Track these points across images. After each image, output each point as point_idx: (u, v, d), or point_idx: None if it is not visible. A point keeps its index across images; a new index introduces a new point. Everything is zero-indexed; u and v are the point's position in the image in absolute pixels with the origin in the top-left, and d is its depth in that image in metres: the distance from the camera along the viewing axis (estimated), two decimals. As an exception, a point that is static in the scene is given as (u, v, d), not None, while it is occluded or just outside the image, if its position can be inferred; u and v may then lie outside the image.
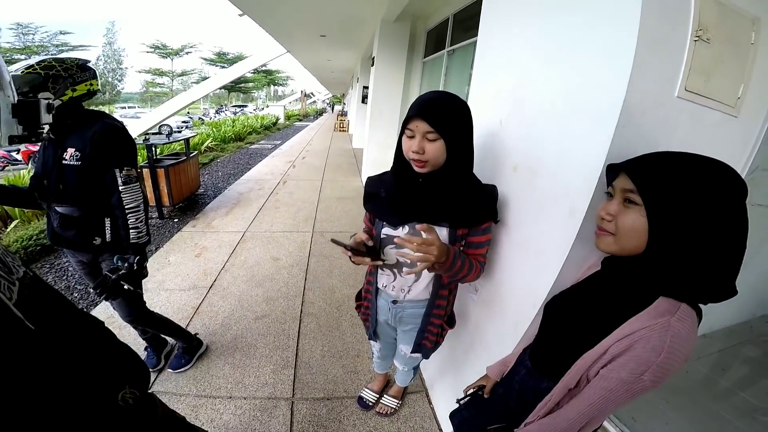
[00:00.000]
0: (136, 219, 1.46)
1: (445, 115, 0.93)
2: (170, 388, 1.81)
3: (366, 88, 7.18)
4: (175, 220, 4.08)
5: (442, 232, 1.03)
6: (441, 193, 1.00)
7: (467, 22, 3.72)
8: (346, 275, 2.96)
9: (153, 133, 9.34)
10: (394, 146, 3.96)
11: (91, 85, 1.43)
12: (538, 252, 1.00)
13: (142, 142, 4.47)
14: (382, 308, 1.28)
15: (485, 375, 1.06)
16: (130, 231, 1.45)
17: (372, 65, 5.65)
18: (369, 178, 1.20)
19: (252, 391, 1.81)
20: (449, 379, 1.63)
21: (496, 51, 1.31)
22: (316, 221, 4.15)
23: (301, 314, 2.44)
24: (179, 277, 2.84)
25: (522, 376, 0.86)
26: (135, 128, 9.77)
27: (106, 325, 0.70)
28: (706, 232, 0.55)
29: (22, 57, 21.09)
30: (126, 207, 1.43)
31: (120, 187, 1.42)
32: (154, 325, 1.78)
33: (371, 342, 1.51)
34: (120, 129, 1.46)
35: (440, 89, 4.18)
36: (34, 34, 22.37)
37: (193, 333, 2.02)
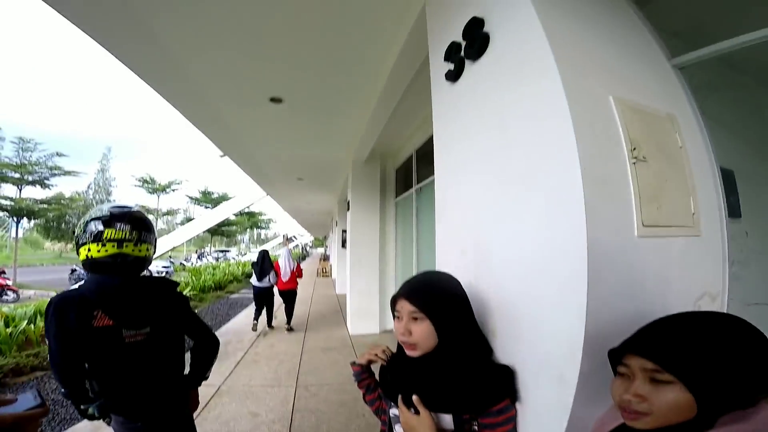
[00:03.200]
0: None
1: (429, 293, 0.93)
2: None
3: (344, 231, 7.41)
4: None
5: (446, 419, 0.96)
6: (437, 378, 0.92)
7: (429, 157, 3.70)
8: (336, 431, 2.62)
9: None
10: (377, 294, 4.33)
11: (89, 250, 1.22)
12: (537, 424, 0.90)
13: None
14: None
15: None
16: None
17: (348, 209, 5.84)
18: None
19: None
20: None
21: (452, 207, 1.35)
22: (299, 374, 3.85)
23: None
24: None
25: None
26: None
27: None
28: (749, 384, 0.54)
29: (16, 175, 20.61)
30: None
31: None
32: None
33: None
34: (49, 314, 1.24)
35: (414, 229, 4.49)
36: (32, 151, 22.28)
37: None
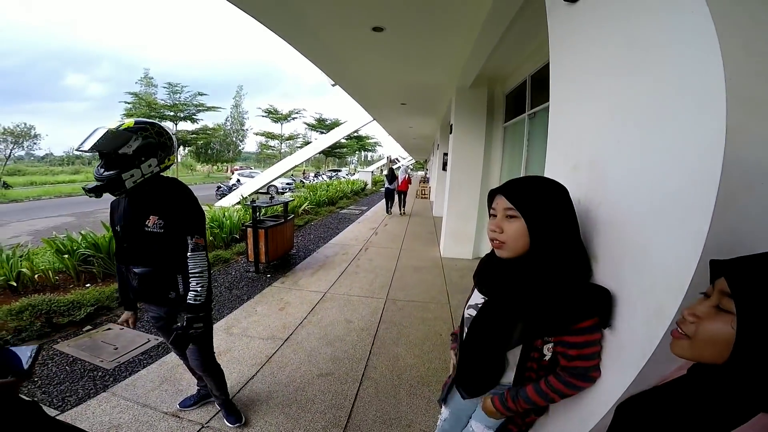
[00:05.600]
0: (197, 284, 1.52)
1: (527, 191, 0.88)
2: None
3: (446, 155, 7.37)
4: (268, 276, 4.49)
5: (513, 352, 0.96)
6: (522, 285, 0.90)
7: (546, 83, 3.50)
8: (413, 344, 2.87)
9: (262, 193, 10.88)
10: (474, 218, 3.96)
11: (169, 159, 1.53)
12: (617, 348, 0.86)
13: (249, 203, 5.23)
14: None
15: None
16: (189, 293, 1.52)
17: (450, 132, 5.74)
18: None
19: (298, 445, 1.82)
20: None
21: (569, 121, 1.24)
22: (390, 289, 4.19)
23: (363, 377, 2.41)
24: (261, 326, 3.08)
25: None
26: (249, 187, 11.44)
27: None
28: None
29: (170, 113, 26.59)
30: (190, 272, 1.52)
31: (188, 254, 1.52)
32: (216, 378, 1.86)
33: (441, 410, 1.37)
34: (194, 200, 1.57)
35: (523, 155, 4.15)
36: (180, 93, 28.08)
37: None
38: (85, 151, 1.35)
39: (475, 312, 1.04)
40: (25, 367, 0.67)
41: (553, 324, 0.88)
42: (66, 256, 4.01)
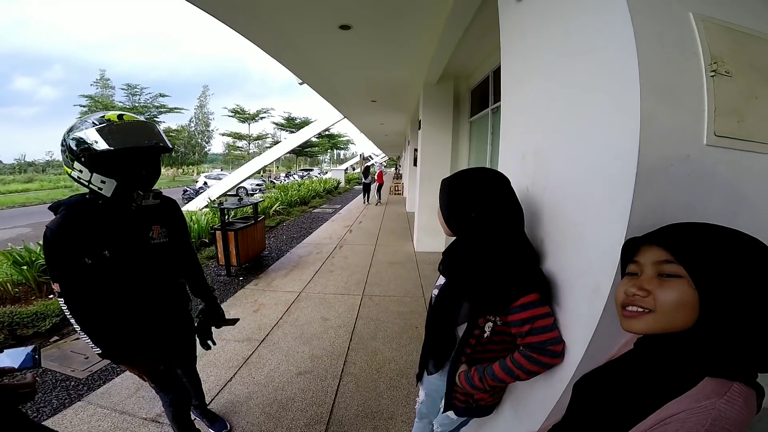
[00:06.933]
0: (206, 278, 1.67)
1: (441, 188, 1.04)
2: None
3: (416, 150, 7.48)
4: (240, 278, 4.41)
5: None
6: (460, 267, 1.05)
7: None
8: (390, 338, 2.93)
9: (231, 195, 10.54)
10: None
11: None
12: (564, 327, 0.94)
13: (217, 206, 5.09)
14: None
15: None
16: (211, 288, 1.67)
17: (419, 128, 5.84)
18: None
19: (281, 443, 1.84)
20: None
21: (516, 114, 1.33)
22: (366, 285, 4.23)
23: (342, 373, 2.44)
24: (236, 329, 3.01)
25: None
26: (217, 189, 11.09)
27: None
28: (758, 303, 0.50)
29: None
30: (199, 270, 1.64)
31: (195, 255, 1.63)
32: (197, 380, 1.84)
33: (419, 394, 1.43)
34: None
35: (488, 149, 4.29)
36: (140, 95, 27.04)
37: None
38: (162, 147, 1.21)
39: (438, 292, 1.13)
40: (32, 364, 0.77)
41: (492, 303, 0.96)
42: (25, 267, 3.81)
